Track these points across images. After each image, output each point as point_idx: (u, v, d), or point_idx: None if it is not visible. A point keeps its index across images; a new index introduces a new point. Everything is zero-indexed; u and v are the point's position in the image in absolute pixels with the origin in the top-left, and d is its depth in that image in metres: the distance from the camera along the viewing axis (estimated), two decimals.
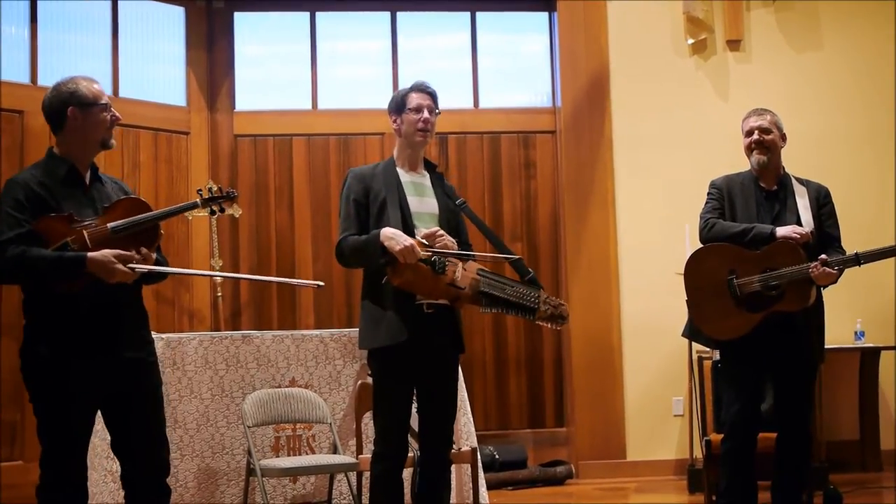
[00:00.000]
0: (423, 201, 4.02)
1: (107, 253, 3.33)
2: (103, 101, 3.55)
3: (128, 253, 3.36)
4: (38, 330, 3.44)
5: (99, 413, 3.59)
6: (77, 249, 3.36)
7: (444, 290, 3.83)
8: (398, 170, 4.05)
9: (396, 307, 3.84)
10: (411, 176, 4.06)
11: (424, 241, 3.82)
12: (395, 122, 4.07)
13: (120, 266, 3.33)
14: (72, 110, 3.50)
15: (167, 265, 3.71)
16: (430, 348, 3.90)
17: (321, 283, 3.82)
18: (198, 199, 3.67)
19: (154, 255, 3.49)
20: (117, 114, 3.61)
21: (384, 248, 3.78)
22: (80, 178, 3.54)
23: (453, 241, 3.90)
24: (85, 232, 3.39)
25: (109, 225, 3.42)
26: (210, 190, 3.71)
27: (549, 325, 3.87)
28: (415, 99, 4.03)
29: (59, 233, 3.37)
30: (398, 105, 4.06)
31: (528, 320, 3.90)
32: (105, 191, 3.60)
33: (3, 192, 3.45)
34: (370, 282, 3.95)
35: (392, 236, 3.79)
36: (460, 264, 3.84)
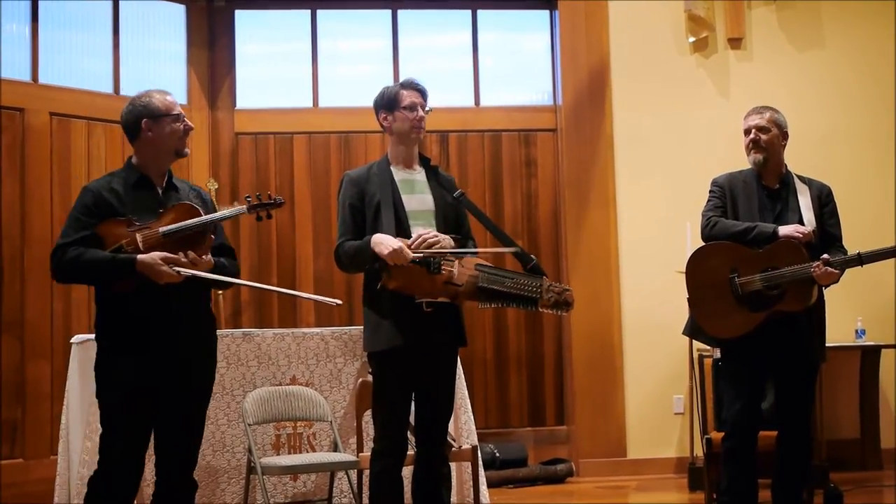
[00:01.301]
0: (418, 198, 4.00)
1: (154, 255, 3.50)
2: (175, 112, 3.72)
3: (174, 256, 3.52)
4: (102, 325, 3.65)
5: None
6: (131, 251, 3.54)
7: (441, 289, 3.81)
8: (392, 168, 4.03)
9: (395, 311, 3.84)
10: (406, 173, 4.04)
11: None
12: (384, 119, 4.04)
13: (165, 268, 3.49)
14: (145, 122, 3.68)
15: (235, 270, 3.83)
16: (429, 347, 3.89)
17: (339, 302, 3.88)
18: (245, 206, 3.77)
19: (208, 258, 3.63)
20: (190, 123, 3.78)
21: (376, 254, 3.78)
22: (150, 185, 3.71)
23: (445, 237, 3.87)
24: (138, 235, 3.57)
25: (161, 229, 3.58)
26: (258, 196, 3.81)
27: (554, 313, 3.83)
28: (407, 97, 4.00)
29: (117, 235, 3.58)
30: (389, 102, 4.02)
31: (532, 311, 3.88)
32: (178, 198, 3.74)
33: (77, 198, 3.67)
34: (369, 288, 3.94)
35: (380, 241, 3.79)
36: (456, 261, 3.83)
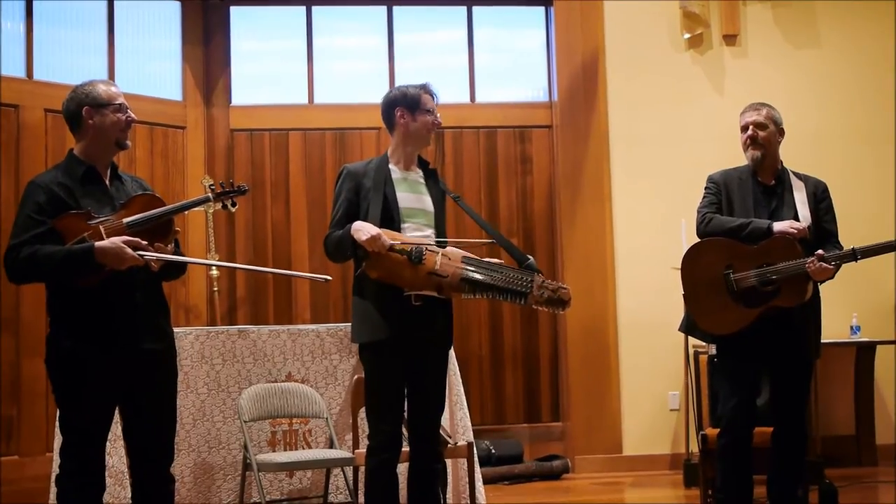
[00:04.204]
0: (414, 197, 4.02)
1: (115, 240, 3.41)
2: (117, 102, 3.63)
3: (135, 239, 3.44)
4: (60, 324, 3.53)
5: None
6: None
7: (424, 279, 3.81)
8: (391, 167, 4.04)
9: (381, 302, 3.85)
10: (405, 173, 4.05)
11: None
12: (401, 116, 4.03)
13: (129, 251, 3.40)
14: (86, 110, 3.61)
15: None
16: (418, 342, 3.90)
17: (329, 277, 3.85)
18: (210, 194, 3.74)
19: (171, 248, 3.59)
20: (133, 115, 3.69)
21: (356, 241, 3.79)
22: (98, 177, 3.62)
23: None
24: (101, 227, 3.48)
25: (124, 220, 3.51)
26: (222, 185, 3.78)
27: (547, 310, 3.82)
28: (428, 101, 4.04)
29: (77, 229, 3.47)
30: (412, 102, 4.03)
31: (522, 305, 3.87)
32: (125, 189, 3.68)
33: (24, 195, 3.56)
34: (358, 277, 3.95)
35: (359, 228, 3.80)
36: (440, 252, 3.83)
